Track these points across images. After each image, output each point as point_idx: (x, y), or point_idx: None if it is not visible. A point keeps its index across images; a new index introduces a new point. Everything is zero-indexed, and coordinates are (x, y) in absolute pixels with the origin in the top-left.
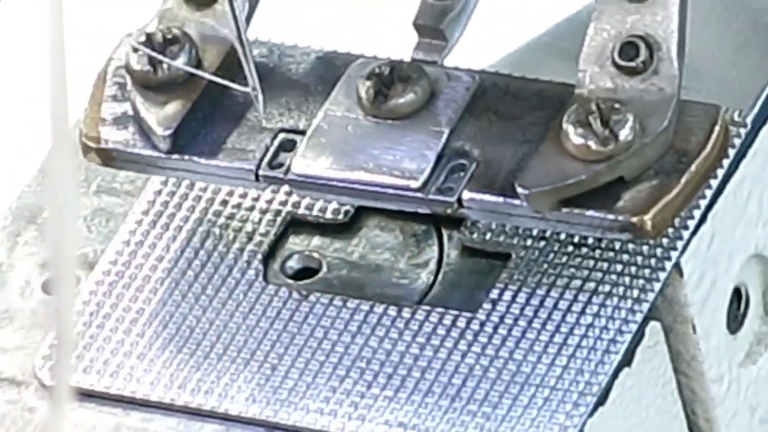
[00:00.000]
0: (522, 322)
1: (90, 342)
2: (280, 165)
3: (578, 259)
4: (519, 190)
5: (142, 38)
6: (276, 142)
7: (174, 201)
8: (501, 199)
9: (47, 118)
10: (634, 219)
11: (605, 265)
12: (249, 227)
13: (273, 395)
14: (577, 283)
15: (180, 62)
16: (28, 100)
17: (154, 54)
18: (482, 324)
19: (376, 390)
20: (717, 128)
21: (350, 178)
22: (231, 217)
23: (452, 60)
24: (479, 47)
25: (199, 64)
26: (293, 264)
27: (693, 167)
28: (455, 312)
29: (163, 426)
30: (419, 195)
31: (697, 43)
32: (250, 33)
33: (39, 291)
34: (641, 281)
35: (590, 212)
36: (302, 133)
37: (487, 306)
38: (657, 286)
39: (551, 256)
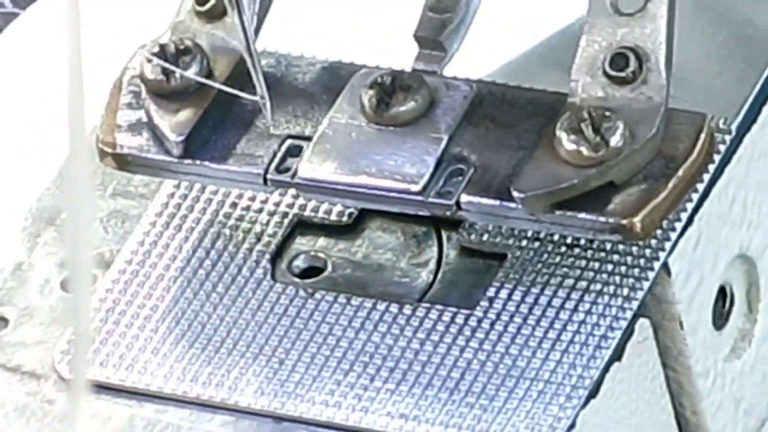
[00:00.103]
0: (517, 319)
1: (106, 337)
2: (288, 169)
3: (571, 259)
4: (514, 193)
5: (156, 49)
6: (283, 148)
7: (186, 203)
8: (497, 202)
9: (65, 125)
10: (624, 221)
11: (596, 264)
12: (258, 228)
13: (280, 388)
14: (569, 282)
15: (192, 72)
16: (28, 100)
17: (167, 65)
18: (479, 321)
19: (378, 383)
20: (703, 135)
21: (354, 181)
22: (240, 218)
23: (451, 70)
24: (476, 58)
25: (210, 74)
26: (300, 263)
27: (680, 172)
28: (454, 309)
29: (176, 417)
30: (419, 198)
31: (684, 54)
32: (258, 44)
33: (58, 289)
34: (631, 280)
35: (582, 215)
36: (308, 139)
37: (484, 303)
38: (646, 284)
39: (545, 256)
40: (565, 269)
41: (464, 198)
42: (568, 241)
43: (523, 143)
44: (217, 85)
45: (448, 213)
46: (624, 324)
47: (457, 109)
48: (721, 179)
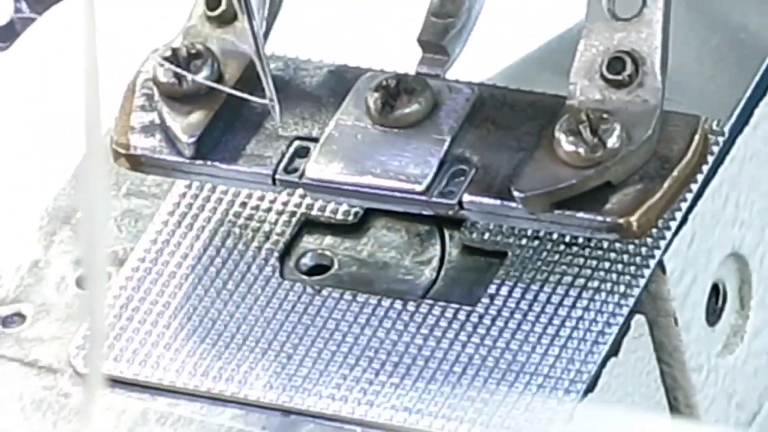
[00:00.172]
0: (517, 315)
1: (120, 333)
2: (295, 170)
3: (569, 257)
4: (515, 193)
5: (168, 53)
6: (291, 149)
7: (197, 203)
8: (498, 202)
9: (82, 127)
10: (621, 220)
11: (594, 262)
12: (266, 227)
13: (288, 382)
14: (568, 279)
15: (203, 75)
16: (28, 100)
17: (178, 69)
18: (481, 317)
19: (383, 377)
20: (697, 137)
21: (359, 182)
22: (250, 218)
23: (453, 73)
24: (478, 62)
25: (220, 77)
26: (307, 261)
27: (675, 172)
28: (456, 306)
29: (187, 410)
30: (423, 198)
31: (678, 58)
32: (267, 48)
33: (73, 286)
34: (627, 278)
35: (580, 214)
36: (315, 140)
37: (485, 300)
38: (642, 282)
39: (544, 254)
40: (563, 267)
41: (466, 198)
42: (567, 239)
43: (523, 144)
44: (227, 89)
45: (450, 212)
46: (621, 320)
47: (459, 111)
48: (714, 179)
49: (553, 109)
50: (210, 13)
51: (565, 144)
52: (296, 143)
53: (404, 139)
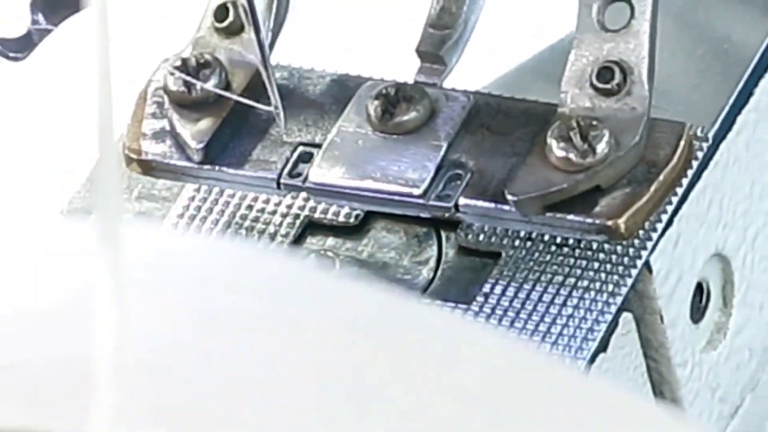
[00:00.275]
0: (511, 313)
1: None
2: (299, 174)
3: (560, 258)
4: (508, 196)
5: (178, 63)
6: (295, 155)
7: (205, 206)
8: (493, 205)
9: (94, 133)
10: (610, 222)
11: (584, 263)
12: (271, 229)
13: None
14: (559, 278)
15: (211, 84)
16: (28, 100)
17: (188, 78)
18: (476, 315)
19: None
20: (682, 143)
21: (360, 186)
22: (255, 220)
23: (450, 82)
24: (474, 71)
25: (228, 86)
26: (310, 262)
27: (661, 177)
28: (452, 304)
29: None
30: (421, 201)
31: (665, 68)
32: (272, 58)
33: None
34: (615, 277)
35: (571, 216)
36: (318, 146)
37: (480, 299)
38: (629, 281)
39: (537, 255)
40: (554, 267)
41: (462, 201)
42: (558, 240)
43: (516, 150)
44: (234, 97)
45: (447, 215)
46: (609, 318)
47: (455, 118)
48: (698, 183)
49: (545, 116)
50: (218, 25)
51: (557, 150)
52: (300, 149)
53: (403, 145)
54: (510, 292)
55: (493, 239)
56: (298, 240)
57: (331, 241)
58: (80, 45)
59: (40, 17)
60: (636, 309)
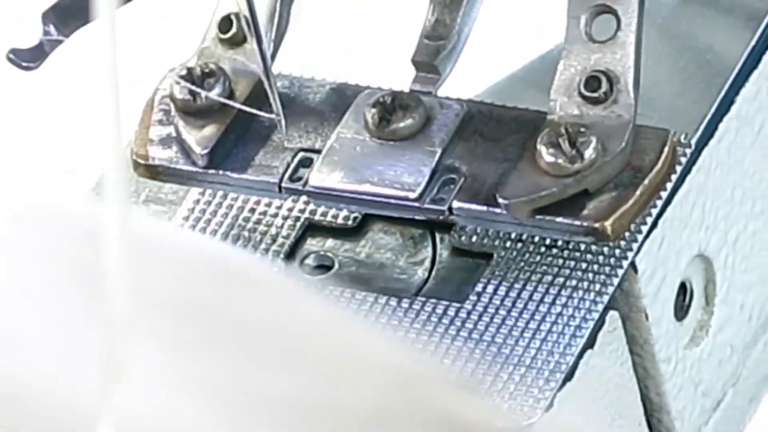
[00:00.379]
0: (502, 311)
1: None
2: (300, 179)
3: (549, 258)
4: (500, 200)
5: (184, 72)
6: (296, 160)
7: (210, 209)
8: (485, 208)
9: (103, 140)
10: (597, 225)
11: (572, 263)
12: (273, 231)
13: None
14: (548, 278)
15: (215, 93)
16: (28, 100)
17: (193, 86)
18: (469, 313)
19: None
20: (667, 149)
21: (358, 189)
22: (258, 222)
23: (444, 91)
24: (467, 80)
25: (231, 94)
26: (310, 262)
27: (646, 181)
28: (446, 302)
29: None
30: (416, 204)
31: (650, 77)
32: (274, 68)
33: None
34: (602, 277)
35: (560, 219)
36: (318, 152)
37: (473, 297)
38: (615, 281)
39: (527, 255)
40: (544, 267)
41: (456, 204)
42: (548, 242)
43: (507, 155)
44: (237, 105)
45: (441, 217)
46: (596, 316)
47: (449, 125)
48: (682, 187)
49: (535, 123)
50: (222, 36)
51: (546, 155)
52: (300, 154)
53: (399, 150)
54: (501, 291)
55: (485, 241)
56: (299, 241)
57: (330, 242)
58: (80, 47)
59: (52, 28)
60: (622, 307)
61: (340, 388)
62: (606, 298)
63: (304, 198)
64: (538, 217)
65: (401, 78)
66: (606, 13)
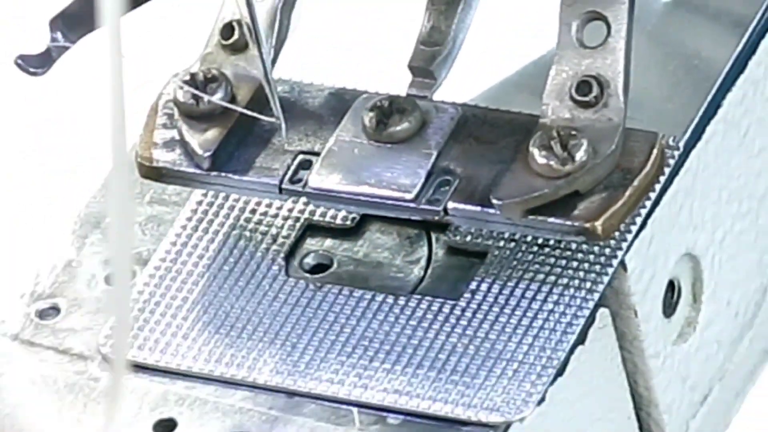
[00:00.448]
0: (496, 308)
1: (144, 324)
2: (300, 180)
3: (542, 257)
4: (494, 201)
5: (187, 77)
6: (296, 162)
7: (212, 210)
8: (479, 209)
9: (108, 144)
10: (588, 224)
11: (564, 262)
12: (273, 231)
13: (292, 367)
14: (540, 276)
15: (218, 97)
16: (28, 100)
17: (196, 91)
18: (463, 310)
19: (376, 363)
20: (655, 151)
21: (356, 191)
22: (259, 222)
23: (440, 95)
24: (462, 85)
25: (233, 99)
26: (310, 261)
27: (636, 182)
28: (441, 300)
29: (203, 392)
30: (412, 205)
31: (639, 81)
32: (274, 73)
33: (102, 283)
34: (593, 275)
35: (552, 219)
36: (317, 154)
37: (467, 295)
38: (606, 279)
39: (520, 254)
40: (537, 265)
41: (451, 205)
42: (540, 241)
43: (501, 158)
44: (239, 109)
45: (436, 218)
46: (587, 312)
47: (445, 128)
48: (670, 189)
49: (528, 126)
50: (224, 42)
51: (539, 157)
52: (300, 157)
53: (396, 153)
54: (495, 288)
55: (479, 240)
56: (299, 241)
57: (329, 242)
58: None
59: (59, 35)
60: (612, 304)
61: None
62: (596, 296)
63: (303, 199)
64: (530, 217)
65: (401, 78)
66: (597, 19)
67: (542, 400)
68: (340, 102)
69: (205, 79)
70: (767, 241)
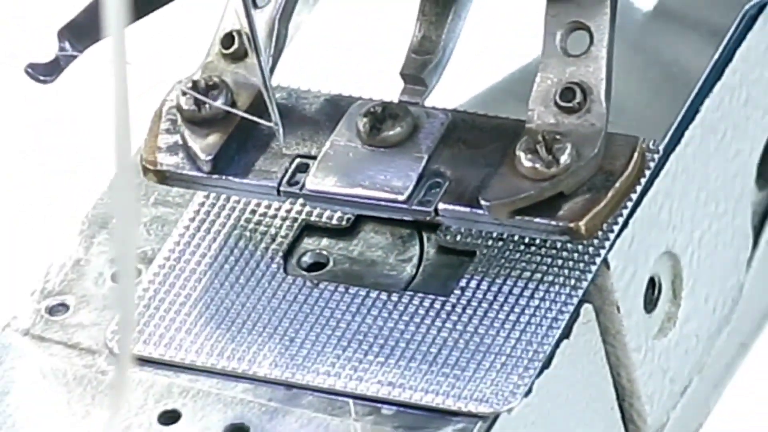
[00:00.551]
0: (484, 304)
1: (149, 320)
2: (297, 183)
3: (528, 256)
4: (482, 202)
5: (189, 85)
6: (293, 165)
7: (214, 211)
8: (468, 209)
9: (113, 148)
10: (572, 224)
11: (549, 260)
12: (272, 231)
13: (291, 361)
14: (527, 274)
15: (219, 103)
16: (28, 100)
17: (199, 96)
18: (453, 306)
19: (370, 357)
20: (636, 154)
21: (351, 193)
22: (258, 223)
23: (430, 101)
24: (452, 91)
25: (233, 105)
26: (307, 259)
27: (617, 184)
28: (432, 296)
29: (206, 385)
30: (405, 206)
31: (621, 88)
32: (273, 80)
33: (109, 281)
34: (577, 272)
35: (537, 219)
36: (314, 158)
37: (457, 292)
38: (589, 276)
39: (507, 253)
40: (523, 264)
41: (441, 206)
42: (526, 240)
43: (489, 161)
44: (240, 114)
45: (428, 218)
46: (572, 308)
47: (435, 133)
48: (651, 190)
49: (515, 131)
50: (225, 51)
51: (525, 161)
52: (297, 160)
53: (389, 157)
54: (484, 285)
55: (468, 239)
56: (296, 241)
57: (325, 241)
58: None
59: (67, 45)
60: (595, 300)
61: None
62: (580, 292)
63: (301, 200)
64: (517, 217)
65: (393, 85)
66: (580, 29)
67: (529, 391)
68: (336, 108)
69: (206, 87)
70: (743, 241)
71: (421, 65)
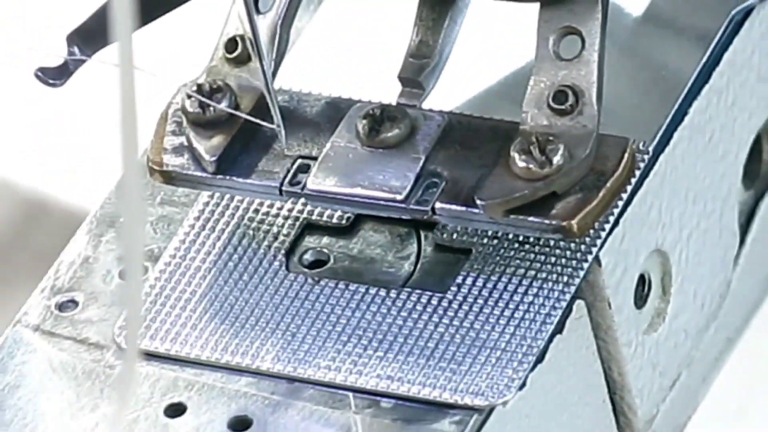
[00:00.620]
0: (480, 301)
1: (155, 315)
2: (298, 183)
3: (522, 253)
4: (478, 201)
5: (194, 88)
6: (295, 166)
7: (218, 210)
8: (464, 208)
9: (120, 149)
10: (564, 223)
11: (542, 257)
12: (275, 230)
13: (293, 355)
14: (521, 271)
15: (223, 106)
16: (28, 100)
17: (203, 99)
18: (450, 302)
19: (370, 352)
20: (626, 155)
21: (351, 192)
22: (261, 222)
23: (427, 104)
24: (448, 94)
25: (237, 107)
26: (308, 257)
27: (608, 184)
28: (430, 293)
29: (210, 378)
30: (403, 205)
31: (612, 91)
32: (275, 84)
33: (117, 278)
34: (569, 269)
35: (531, 218)
36: (315, 159)
37: (453, 288)
38: (581, 273)
39: (502, 250)
40: (517, 261)
41: (438, 205)
42: (520, 238)
43: (484, 162)
44: (243, 116)
45: (425, 217)
46: (564, 304)
47: (432, 135)
48: (641, 190)
49: (509, 132)
50: (228, 56)
51: (519, 161)
52: (299, 161)
53: (387, 157)
54: (480, 282)
55: (464, 238)
56: (298, 239)
57: (326, 240)
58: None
59: (76, 49)
60: (587, 297)
61: None
62: (573, 289)
63: (302, 200)
64: (511, 216)
65: (391, 88)
66: (572, 34)
67: (523, 385)
68: (336, 110)
69: (210, 90)
70: (730, 239)
71: (419, 69)
